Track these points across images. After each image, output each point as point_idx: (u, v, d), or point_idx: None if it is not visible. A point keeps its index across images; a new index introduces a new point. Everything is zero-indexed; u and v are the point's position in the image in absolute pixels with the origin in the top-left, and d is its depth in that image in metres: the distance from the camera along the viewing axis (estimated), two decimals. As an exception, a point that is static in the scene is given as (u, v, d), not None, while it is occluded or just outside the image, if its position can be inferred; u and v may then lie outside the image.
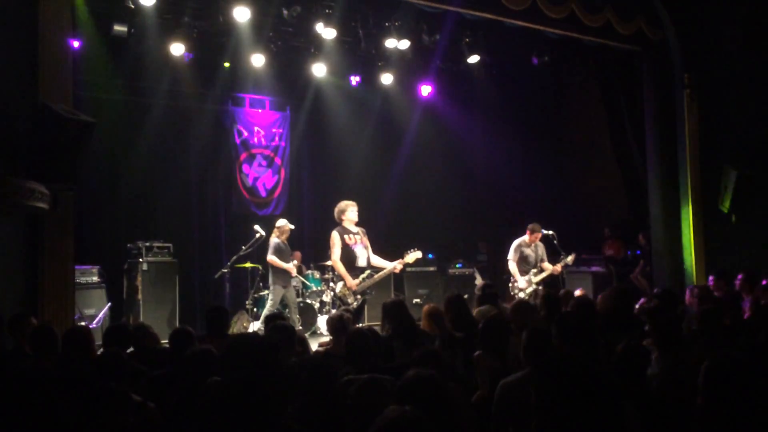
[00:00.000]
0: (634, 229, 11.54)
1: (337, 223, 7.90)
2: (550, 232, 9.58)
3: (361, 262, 7.76)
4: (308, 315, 10.16)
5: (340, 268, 7.66)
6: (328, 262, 8.78)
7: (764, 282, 7.31)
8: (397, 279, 11.71)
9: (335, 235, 7.75)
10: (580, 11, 9.21)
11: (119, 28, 8.95)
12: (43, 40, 6.32)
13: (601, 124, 11.87)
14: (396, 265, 7.87)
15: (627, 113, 11.06)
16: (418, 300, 11.50)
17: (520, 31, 9.52)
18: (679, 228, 10.00)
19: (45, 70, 6.28)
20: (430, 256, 12.41)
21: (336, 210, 7.96)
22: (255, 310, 9.89)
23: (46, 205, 5.83)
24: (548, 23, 9.25)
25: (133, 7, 8.66)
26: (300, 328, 9.46)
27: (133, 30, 9.10)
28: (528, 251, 9.15)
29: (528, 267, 9.11)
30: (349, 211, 7.88)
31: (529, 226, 9.21)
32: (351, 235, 7.78)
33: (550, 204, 12.19)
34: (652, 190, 10.41)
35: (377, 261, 7.93)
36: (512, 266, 9.13)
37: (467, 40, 10.42)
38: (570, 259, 9.15)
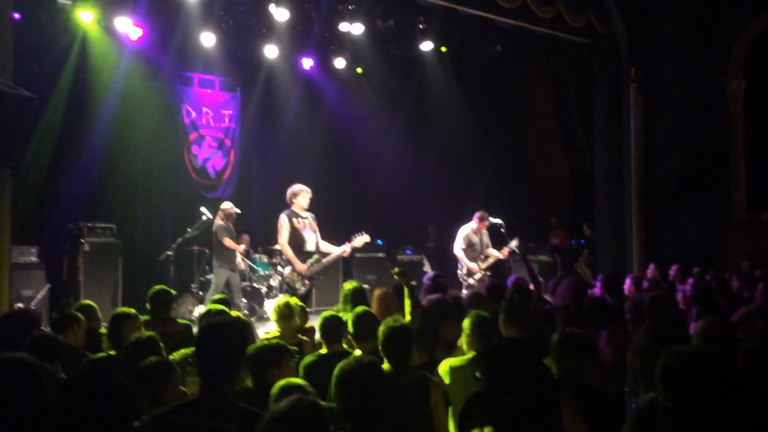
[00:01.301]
0: (579, 219, 11.77)
1: (286, 206, 7.82)
2: (498, 221, 9.67)
3: (309, 246, 7.70)
4: (255, 299, 10.07)
5: (288, 252, 7.59)
6: (276, 246, 8.70)
7: (695, 270, 7.57)
8: (345, 264, 11.68)
9: (283, 219, 7.67)
10: (532, 2, 9.31)
11: (63, 1, 8.66)
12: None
13: (552, 114, 12.04)
14: (345, 249, 7.83)
15: (576, 105, 11.25)
16: (366, 286, 11.49)
17: (474, 19, 9.57)
18: (623, 219, 10.25)
19: (-17, 41, 6.05)
20: (379, 242, 12.43)
21: (288, 192, 7.85)
22: (201, 293, 9.76)
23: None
24: (501, 12, 9.33)
25: (79, -21, 8.40)
26: (245, 312, 9.38)
27: (77, 3, 8.82)
28: (475, 239, 9.21)
29: (475, 254, 9.16)
30: (301, 197, 7.77)
31: (479, 214, 9.26)
32: (300, 219, 7.70)
33: (498, 192, 12.33)
34: (598, 180, 10.64)
35: (325, 246, 7.89)
36: (460, 253, 9.18)
37: (421, 26, 10.41)
38: (514, 244, 9.21)
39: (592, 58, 10.63)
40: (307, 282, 7.61)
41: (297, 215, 7.70)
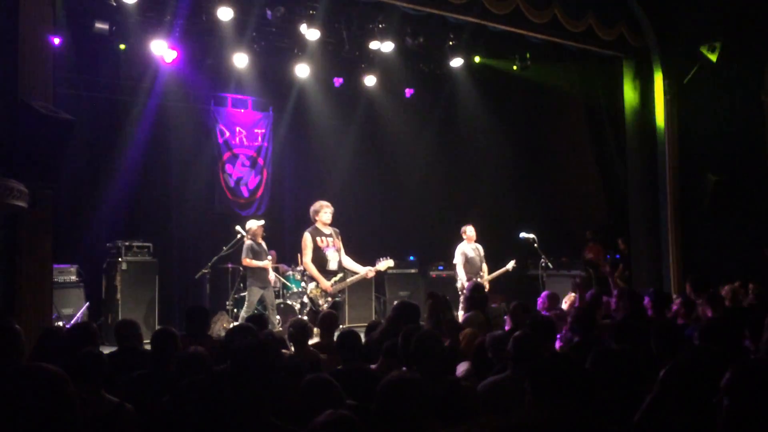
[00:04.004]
0: (614, 233, 11.63)
1: (311, 223, 7.93)
2: (531, 236, 9.67)
3: (333, 265, 7.79)
4: (288, 316, 10.11)
5: (313, 271, 7.68)
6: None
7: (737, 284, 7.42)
8: (378, 280, 11.71)
9: (307, 237, 7.76)
10: (562, 16, 9.29)
11: (101, 26, 8.88)
12: (24, 36, 6.25)
13: (583, 127, 11.95)
14: (368, 271, 7.90)
15: (608, 118, 11.16)
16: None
17: (504, 34, 9.58)
18: (658, 233, 10.12)
19: (25, 67, 6.21)
20: (411, 258, 12.43)
21: (311, 210, 8.00)
22: (235, 310, 9.83)
23: (24, 204, 5.77)
24: (531, 28, 9.32)
25: (115, 4, 8.60)
26: (280, 329, 9.43)
27: (114, 27, 9.04)
28: (471, 253, 9.33)
29: (474, 269, 9.27)
30: (323, 213, 7.89)
31: (462, 229, 9.50)
32: (323, 237, 7.79)
33: (531, 207, 12.26)
34: (632, 194, 10.52)
35: (349, 263, 7.96)
36: (460, 269, 9.36)
37: (451, 43, 10.45)
38: (510, 266, 9.43)
39: (623, 71, 10.55)
40: (329, 299, 7.67)
41: (320, 233, 7.79)
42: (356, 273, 7.96)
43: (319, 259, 7.73)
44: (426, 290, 11.64)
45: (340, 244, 7.94)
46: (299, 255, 8.06)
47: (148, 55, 9.82)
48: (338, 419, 2.22)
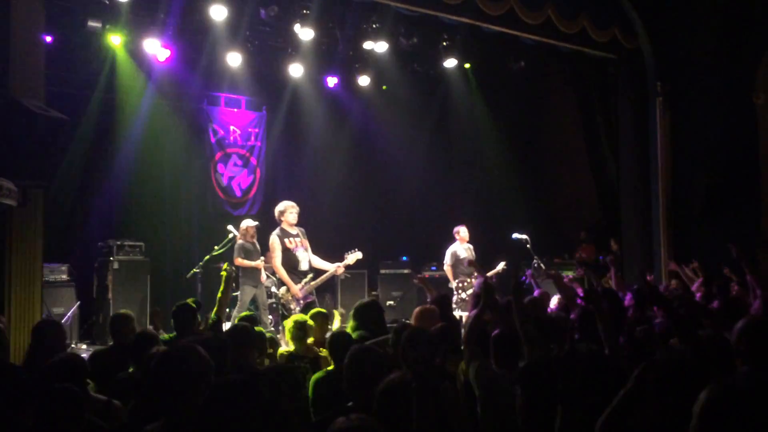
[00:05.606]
0: (606, 233, 11.66)
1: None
2: (524, 236, 9.67)
3: (304, 265, 7.76)
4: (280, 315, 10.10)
5: (284, 275, 7.64)
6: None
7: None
8: (371, 281, 11.71)
9: (275, 240, 7.72)
10: (556, 18, 9.32)
11: (93, 24, 8.83)
12: (16, 34, 6.24)
13: (577, 129, 11.98)
14: (338, 266, 7.87)
15: (601, 119, 11.19)
16: (391, 302, 11.52)
17: (498, 36, 9.59)
18: (651, 233, 10.15)
19: (17, 65, 6.20)
20: (404, 258, 12.43)
21: (276, 210, 7.96)
22: (228, 310, 9.81)
23: (14, 202, 5.76)
24: (525, 29, 9.34)
25: (108, 2, 8.57)
26: (272, 329, 9.41)
27: (107, 26, 9.00)
28: (463, 254, 9.34)
29: (465, 270, 9.28)
30: (289, 214, 7.87)
31: (455, 229, 9.55)
32: (291, 238, 7.76)
33: (524, 207, 12.27)
34: (624, 195, 10.55)
35: (318, 262, 7.93)
36: (448, 270, 9.51)
37: (444, 43, 10.45)
38: (501, 267, 9.46)
39: (617, 73, 10.58)
40: (301, 302, 7.65)
41: (287, 234, 7.76)
42: (326, 271, 7.92)
43: (290, 260, 7.69)
44: (419, 290, 11.67)
45: (307, 244, 7.91)
46: (271, 258, 8.01)
47: (141, 53, 9.79)
48: (360, 426, 2.15)
